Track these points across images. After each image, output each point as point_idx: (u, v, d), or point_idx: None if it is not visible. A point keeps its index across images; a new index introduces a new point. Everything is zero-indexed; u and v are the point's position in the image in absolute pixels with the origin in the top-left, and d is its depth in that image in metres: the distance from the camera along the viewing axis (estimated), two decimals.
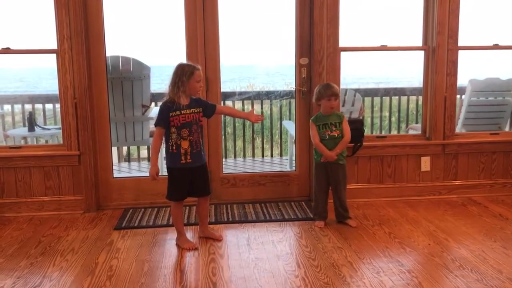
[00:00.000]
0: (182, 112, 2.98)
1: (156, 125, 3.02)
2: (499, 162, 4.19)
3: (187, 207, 3.83)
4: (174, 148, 3.01)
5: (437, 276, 2.68)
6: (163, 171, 3.47)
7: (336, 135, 3.41)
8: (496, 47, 4.15)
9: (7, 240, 3.32)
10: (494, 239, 3.20)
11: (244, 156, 6.29)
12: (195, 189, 3.14)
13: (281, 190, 4.12)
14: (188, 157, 3.02)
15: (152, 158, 3.06)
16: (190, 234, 3.33)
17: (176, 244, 3.17)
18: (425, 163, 4.10)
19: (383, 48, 4.03)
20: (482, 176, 4.19)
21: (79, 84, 3.72)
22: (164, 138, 3.06)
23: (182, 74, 2.95)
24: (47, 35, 3.73)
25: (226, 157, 6.15)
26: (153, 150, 3.07)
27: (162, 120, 2.98)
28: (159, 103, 5.94)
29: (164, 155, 3.22)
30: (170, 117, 2.96)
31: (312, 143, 3.48)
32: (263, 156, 6.32)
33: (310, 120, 3.51)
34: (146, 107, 4.78)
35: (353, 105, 5.16)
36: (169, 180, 3.10)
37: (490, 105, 5.03)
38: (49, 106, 5.91)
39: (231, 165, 5.84)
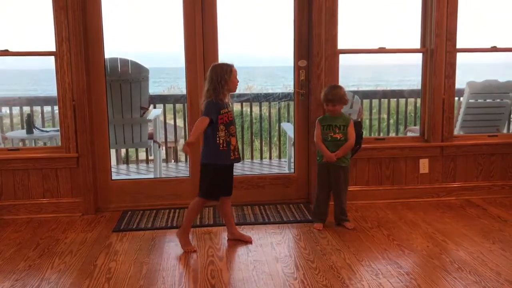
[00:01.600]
0: (229, 109, 3.06)
1: (206, 114, 2.96)
2: (497, 164, 4.20)
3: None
4: (224, 145, 3.03)
5: (436, 278, 2.68)
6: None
7: (338, 138, 3.40)
8: (494, 49, 4.16)
9: (5, 242, 3.31)
10: (493, 241, 3.20)
11: (243, 158, 6.29)
12: (227, 188, 3.18)
13: (279, 192, 4.12)
14: (236, 152, 3.10)
15: (194, 133, 2.95)
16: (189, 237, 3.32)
17: (178, 239, 3.15)
18: (424, 165, 4.11)
19: (382, 50, 4.04)
20: (480, 178, 4.20)
21: (77, 86, 3.72)
22: (207, 136, 3.05)
23: (223, 73, 3.00)
24: (46, 37, 3.74)
25: None
26: (198, 131, 2.96)
27: (215, 113, 2.98)
28: (158, 106, 5.98)
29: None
30: (221, 114, 2.99)
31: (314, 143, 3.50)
32: (261, 158, 6.33)
33: (317, 119, 3.52)
34: (145, 109, 4.78)
35: (351, 107, 5.16)
36: (212, 178, 3.07)
37: (488, 107, 5.03)
38: (47, 108, 5.91)
39: None
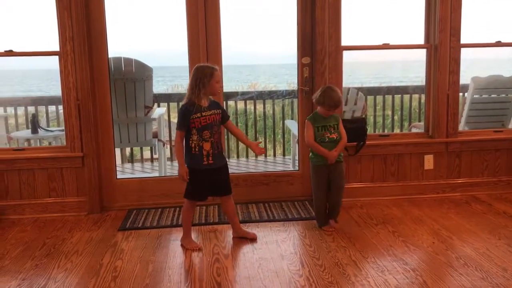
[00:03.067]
0: (203, 114, 3.00)
1: (178, 128, 3.03)
2: (502, 159, 4.18)
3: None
4: (196, 149, 3.02)
5: (442, 275, 2.67)
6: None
7: (335, 138, 3.32)
8: (498, 44, 4.14)
9: (12, 242, 3.33)
10: (499, 237, 3.19)
11: (247, 156, 6.29)
12: (217, 189, 3.16)
13: (284, 190, 4.12)
14: (210, 158, 3.05)
15: (179, 160, 3.04)
16: (193, 235, 3.33)
17: (181, 244, 3.18)
18: (429, 161, 4.10)
19: (385, 46, 4.02)
20: (486, 174, 4.18)
21: (81, 86, 3.73)
22: (185, 138, 3.07)
23: (202, 76, 2.97)
24: (50, 37, 3.75)
25: (229, 157, 6.15)
26: (178, 152, 3.05)
27: (184, 123, 3.00)
28: (162, 104, 5.99)
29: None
30: (191, 119, 2.98)
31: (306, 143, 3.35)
32: (266, 156, 6.32)
33: (307, 120, 3.37)
34: (149, 108, 4.79)
35: (355, 103, 5.15)
36: (191, 180, 3.07)
37: (493, 103, 5.01)
38: (52, 108, 5.93)
39: (234, 165, 5.85)
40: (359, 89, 5.73)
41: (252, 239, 3.24)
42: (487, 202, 3.92)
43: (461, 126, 4.77)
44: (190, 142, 3.03)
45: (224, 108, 3.26)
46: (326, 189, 3.40)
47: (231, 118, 6.03)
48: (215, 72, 3.01)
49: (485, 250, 2.98)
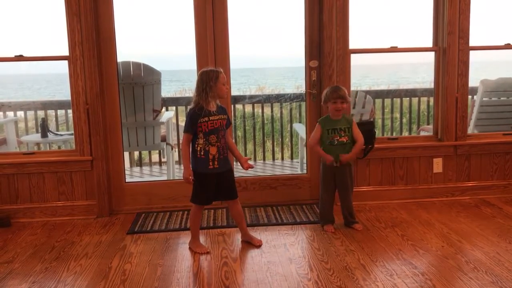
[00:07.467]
0: (211, 118, 3.01)
1: (185, 131, 3.03)
2: None
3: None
4: (202, 153, 3.03)
5: (451, 279, 2.66)
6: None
7: (345, 141, 3.34)
8: (508, 46, 4.11)
9: (22, 245, 3.36)
10: (509, 241, 3.16)
11: (255, 159, 6.30)
12: (222, 193, 3.17)
13: (292, 193, 4.12)
14: (216, 162, 3.06)
15: (184, 162, 3.05)
16: (202, 238, 3.33)
17: (189, 247, 3.19)
18: (437, 165, 4.08)
19: (393, 49, 4.01)
20: (495, 177, 4.15)
21: (91, 90, 3.76)
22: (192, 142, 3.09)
23: (208, 80, 2.98)
24: (59, 42, 3.78)
25: (236, 161, 6.15)
26: (184, 155, 3.06)
27: (191, 126, 3.01)
28: (170, 108, 6.01)
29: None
30: (199, 123, 2.99)
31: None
32: (273, 159, 6.33)
33: (318, 122, 3.43)
34: (157, 112, 4.81)
35: (363, 107, 5.15)
36: (195, 184, 3.09)
37: (502, 105, 4.99)
38: (61, 112, 5.98)
39: (242, 169, 5.84)
40: (367, 92, 5.73)
41: (258, 246, 3.21)
42: (497, 206, 3.90)
43: (470, 129, 4.75)
44: (196, 145, 3.04)
45: (232, 111, 3.27)
46: (333, 189, 3.45)
47: (239, 122, 6.05)
48: (220, 74, 3.03)
49: (495, 254, 2.96)
